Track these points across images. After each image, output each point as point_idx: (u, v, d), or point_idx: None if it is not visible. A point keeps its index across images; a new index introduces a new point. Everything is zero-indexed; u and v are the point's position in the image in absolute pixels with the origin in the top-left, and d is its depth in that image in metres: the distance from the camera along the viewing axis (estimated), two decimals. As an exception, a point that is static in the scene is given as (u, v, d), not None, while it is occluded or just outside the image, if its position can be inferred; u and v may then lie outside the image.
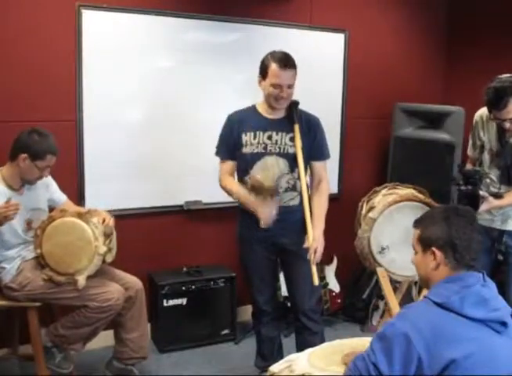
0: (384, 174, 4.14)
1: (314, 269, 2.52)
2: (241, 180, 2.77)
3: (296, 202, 2.73)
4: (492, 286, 1.64)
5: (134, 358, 2.89)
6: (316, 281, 2.52)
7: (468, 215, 1.74)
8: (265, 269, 2.86)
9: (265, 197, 2.58)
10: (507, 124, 2.70)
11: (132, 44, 3.30)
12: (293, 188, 2.72)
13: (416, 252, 1.75)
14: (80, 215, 2.69)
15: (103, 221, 2.75)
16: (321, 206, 2.71)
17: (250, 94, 3.59)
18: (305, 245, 2.57)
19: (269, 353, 2.97)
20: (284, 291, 3.33)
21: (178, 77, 3.47)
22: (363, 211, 2.99)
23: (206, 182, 3.60)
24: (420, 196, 2.95)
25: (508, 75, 2.72)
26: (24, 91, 3.06)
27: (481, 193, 2.66)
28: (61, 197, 2.92)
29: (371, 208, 2.94)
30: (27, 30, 3.02)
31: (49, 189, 2.87)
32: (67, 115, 3.18)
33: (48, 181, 2.85)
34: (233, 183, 2.76)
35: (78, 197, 3.23)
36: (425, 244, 1.71)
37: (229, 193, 2.76)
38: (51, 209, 2.86)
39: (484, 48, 4.06)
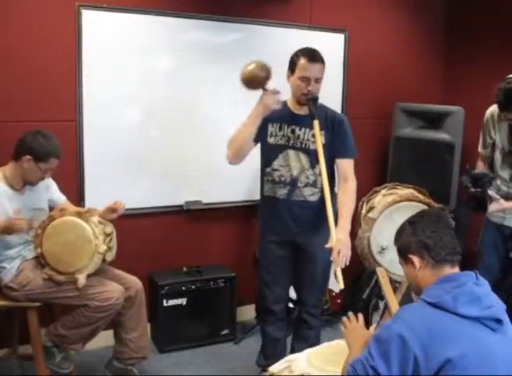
0: (383, 174, 4.14)
1: (339, 271, 2.41)
2: (263, 171, 2.82)
3: (316, 198, 2.73)
4: (484, 284, 1.65)
5: (134, 358, 2.89)
6: (342, 284, 2.39)
7: (433, 213, 1.79)
8: (278, 268, 2.87)
9: (259, 88, 2.55)
10: None
11: (132, 44, 3.30)
12: (314, 184, 2.73)
13: (403, 266, 1.78)
14: (80, 214, 2.69)
15: (115, 203, 2.75)
16: (346, 206, 2.66)
17: (250, 94, 3.59)
18: (328, 245, 2.48)
19: (272, 353, 2.98)
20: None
21: (178, 77, 3.47)
22: (363, 211, 2.99)
23: (206, 182, 3.61)
24: (420, 196, 2.95)
25: None
26: (24, 91, 3.06)
27: (490, 192, 2.64)
28: (60, 198, 2.93)
29: (371, 208, 2.94)
30: (27, 30, 3.02)
31: (50, 190, 2.87)
32: (67, 115, 3.19)
33: (49, 181, 2.85)
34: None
35: (78, 196, 3.23)
36: (402, 254, 1.76)
37: (237, 136, 2.68)
38: (50, 209, 2.86)
39: (484, 48, 4.06)
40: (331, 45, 3.95)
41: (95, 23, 3.17)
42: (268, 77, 2.57)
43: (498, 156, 2.94)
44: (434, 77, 4.43)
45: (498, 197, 2.65)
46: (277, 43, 3.51)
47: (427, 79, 4.39)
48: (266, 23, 3.68)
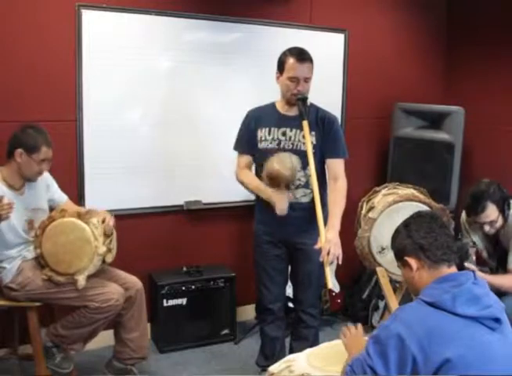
0: (383, 174, 4.14)
1: (327, 271, 2.42)
2: (257, 175, 2.82)
3: (308, 199, 2.73)
4: (483, 283, 1.65)
5: (134, 358, 2.89)
6: (329, 284, 2.40)
7: (426, 214, 1.80)
8: (274, 268, 2.88)
9: (281, 187, 2.59)
10: (486, 228, 2.77)
11: (132, 44, 3.30)
12: (306, 185, 2.73)
13: (401, 269, 1.79)
14: (80, 215, 2.69)
15: (103, 221, 2.75)
16: (336, 205, 2.66)
17: (250, 94, 3.60)
18: (317, 246, 2.50)
19: (271, 353, 2.99)
20: (289, 293, 3.31)
21: (178, 77, 3.47)
22: (363, 211, 2.99)
23: (206, 182, 3.61)
24: (420, 196, 2.95)
25: (487, 180, 2.80)
26: (24, 91, 3.06)
27: (466, 264, 2.68)
28: (62, 197, 2.93)
29: (371, 208, 2.94)
30: (27, 30, 3.01)
31: (50, 190, 2.87)
32: (67, 115, 3.18)
33: (49, 181, 2.85)
34: (249, 175, 2.81)
35: (78, 196, 3.23)
36: (399, 257, 1.76)
37: (246, 185, 2.80)
38: (51, 209, 2.86)
39: (485, 48, 4.06)
40: (331, 45, 3.96)
41: (95, 23, 3.17)
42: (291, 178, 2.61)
43: (484, 253, 2.99)
44: (434, 77, 4.42)
45: (475, 268, 2.68)
46: (277, 43, 3.50)
47: (427, 79, 4.39)
48: (266, 23, 3.68)
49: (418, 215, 1.80)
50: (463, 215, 2.99)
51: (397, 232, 1.78)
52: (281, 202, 2.61)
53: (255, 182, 2.75)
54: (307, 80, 2.67)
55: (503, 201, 2.76)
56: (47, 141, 2.66)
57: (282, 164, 2.58)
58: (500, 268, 2.89)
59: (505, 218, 2.78)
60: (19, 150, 2.61)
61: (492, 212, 2.73)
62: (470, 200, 2.76)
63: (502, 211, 2.76)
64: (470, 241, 2.99)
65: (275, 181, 2.59)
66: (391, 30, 4.20)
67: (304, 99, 2.66)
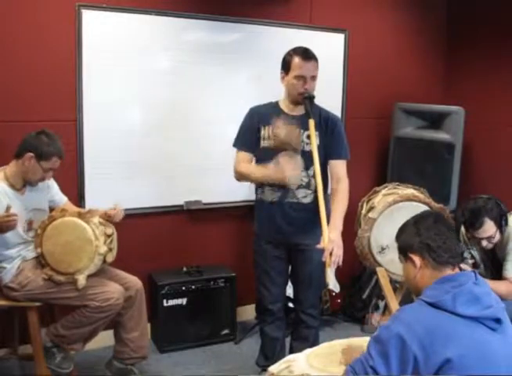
0: (383, 174, 4.14)
1: (328, 271, 2.41)
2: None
3: (309, 200, 2.72)
4: (484, 284, 1.65)
5: (134, 358, 2.89)
6: (330, 284, 2.40)
7: (437, 215, 1.80)
8: (274, 268, 2.87)
9: (289, 151, 2.56)
10: (484, 243, 2.81)
11: (132, 44, 3.30)
12: (307, 186, 2.72)
13: (402, 262, 1.79)
14: (80, 215, 2.69)
15: (114, 208, 2.74)
16: (339, 206, 2.66)
17: (250, 94, 3.60)
18: (319, 246, 2.48)
19: (271, 353, 2.99)
20: (289, 293, 3.31)
21: (178, 77, 3.47)
22: (363, 211, 3.00)
23: (206, 182, 3.61)
24: (420, 196, 2.95)
25: (485, 196, 2.84)
26: (24, 91, 3.06)
27: (463, 266, 2.70)
28: (62, 199, 2.93)
29: (371, 208, 2.94)
30: (27, 30, 3.02)
31: (50, 191, 2.87)
32: (67, 115, 3.18)
33: (50, 182, 2.85)
34: (250, 166, 2.75)
35: (78, 196, 3.23)
36: (403, 252, 1.76)
37: (247, 177, 2.73)
38: (51, 210, 2.86)
39: (484, 48, 4.07)
40: (331, 45, 3.96)
41: (95, 23, 3.17)
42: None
43: (481, 266, 3.03)
44: (434, 77, 4.42)
45: (470, 269, 2.71)
46: (277, 43, 3.51)
47: (427, 79, 4.39)
48: (266, 23, 3.68)
49: (428, 215, 1.80)
50: (463, 228, 3.01)
51: (405, 227, 1.77)
52: (291, 170, 2.56)
53: (258, 169, 2.69)
54: (313, 78, 2.67)
55: (501, 217, 2.79)
56: (60, 152, 2.67)
57: (287, 131, 2.58)
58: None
59: (502, 233, 2.81)
60: (30, 154, 2.61)
61: (489, 228, 2.76)
62: (469, 216, 2.79)
63: (500, 226, 2.79)
64: (468, 254, 3.02)
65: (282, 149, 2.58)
66: (391, 31, 4.20)
67: (311, 98, 2.66)
